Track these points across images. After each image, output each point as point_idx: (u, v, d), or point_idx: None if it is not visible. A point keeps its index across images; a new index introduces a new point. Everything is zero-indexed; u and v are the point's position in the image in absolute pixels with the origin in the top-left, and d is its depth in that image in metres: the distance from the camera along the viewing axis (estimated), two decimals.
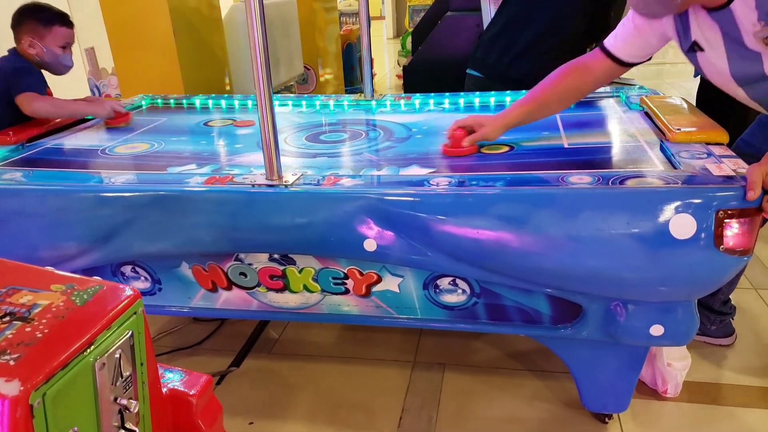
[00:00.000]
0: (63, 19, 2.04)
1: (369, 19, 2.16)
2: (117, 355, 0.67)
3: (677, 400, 1.69)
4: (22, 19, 2.02)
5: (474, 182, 1.33)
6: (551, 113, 1.62)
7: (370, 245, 1.35)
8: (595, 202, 1.23)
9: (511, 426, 1.63)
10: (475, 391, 1.78)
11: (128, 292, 0.72)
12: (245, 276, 1.54)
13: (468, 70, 2.37)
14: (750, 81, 1.31)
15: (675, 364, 1.66)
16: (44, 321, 0.65)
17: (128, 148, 1.82)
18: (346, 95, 2.32)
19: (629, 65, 1.47)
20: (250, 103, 2.28)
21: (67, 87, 2.48)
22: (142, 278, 1.61)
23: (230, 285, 1.56)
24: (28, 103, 1.94)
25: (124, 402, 0.69)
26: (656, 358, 1.67)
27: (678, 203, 1.17)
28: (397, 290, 1.48)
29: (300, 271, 1.49)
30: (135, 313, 0.72)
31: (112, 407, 0.69)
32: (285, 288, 1.53)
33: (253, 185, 1.41)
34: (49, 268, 0.78)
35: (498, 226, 1.27)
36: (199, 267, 1.55)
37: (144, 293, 1.63)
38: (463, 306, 1.47)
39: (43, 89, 2.04)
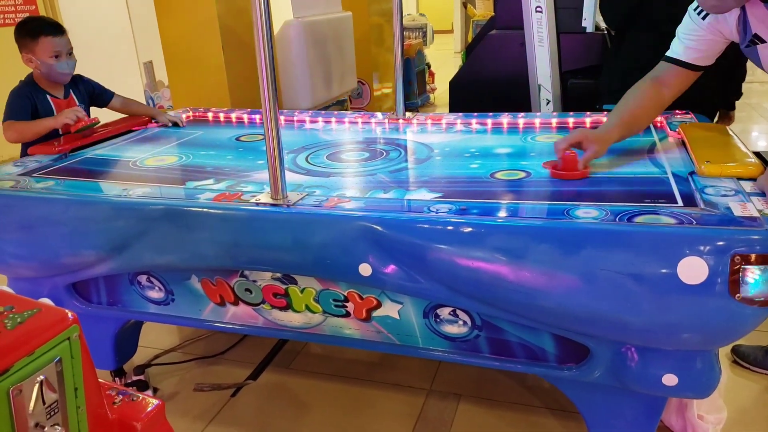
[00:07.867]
0: (49, 29, 1.93)
1: (402, 38, 2.13)
2: (38, 381, 0.68)
3: None
4: (17, 37, 1.95)
5: (475, 211, 1.28)
6: (640, 130, 1.64)
7: (365, 270, 1.32)
8: (597, 240, 1.14)
9: None
10: (486, 426, 1.70)
11: (66, 317, 0.73)
12: (250, 292, 1.54)
13: (605, 106, 2.18)
14: None
15: (707, 417, 1.52)
16: None
17: (157, 161, 1.87)
18: (379, 113, 2.30)
19: (698, 68, 1.51)
20: (283, 119, 2.30)
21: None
22: (156, 288, 1.65)
23: (237, 300, 1.57)
24: (3, 132, 1.92)
25: (47, 428, 0.69)
26: (686, 408, 1.53)
27: (687, 245, 1.07)
28: (397, 317, 1.43)
29: (302, 291, 1.48)
30: (68, 338, 0.72)
31: None
32: (288, 307, 1.52)
33: (257, 203, 1.42)
34: (2, 287, 0.80)
35: (494, 259, 1.21)
36: (208, 281, 1.57)
37: (159, 303, 1.67)
38: (464, 338, 1.41)
39: (26, 113, 1.95)
